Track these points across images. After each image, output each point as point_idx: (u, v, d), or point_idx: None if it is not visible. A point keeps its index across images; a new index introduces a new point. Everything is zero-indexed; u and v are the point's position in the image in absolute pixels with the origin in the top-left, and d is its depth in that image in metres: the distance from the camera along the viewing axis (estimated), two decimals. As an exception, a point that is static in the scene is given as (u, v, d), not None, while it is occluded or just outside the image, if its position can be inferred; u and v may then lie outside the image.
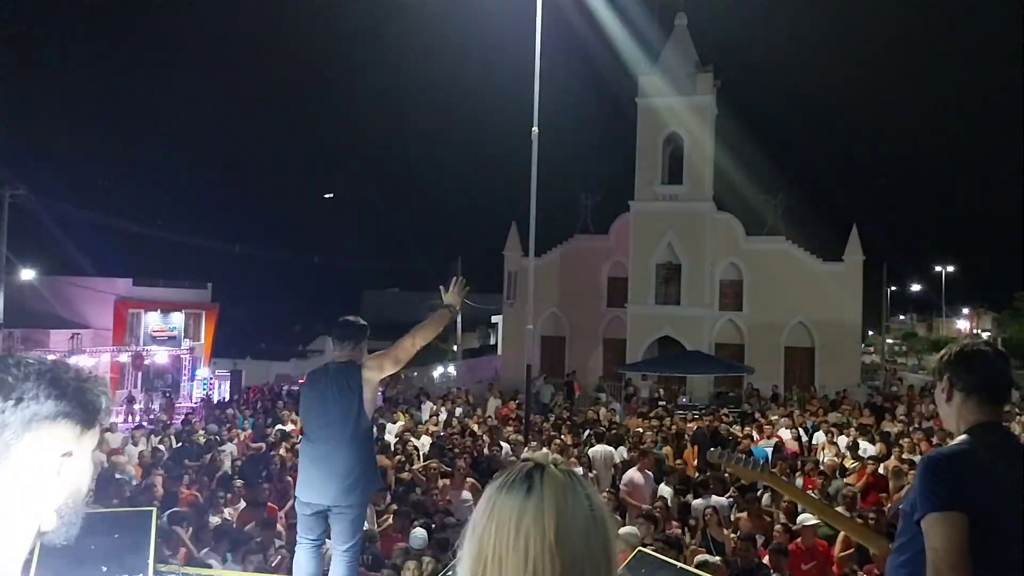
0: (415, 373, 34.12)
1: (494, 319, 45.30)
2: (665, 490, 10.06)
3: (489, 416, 18.17)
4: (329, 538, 4.72)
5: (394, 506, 8.40)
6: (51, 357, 1.20)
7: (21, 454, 1.10)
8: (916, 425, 15.36)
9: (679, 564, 4.59)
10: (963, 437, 2.38)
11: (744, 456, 3.58)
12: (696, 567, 5.12)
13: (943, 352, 2.58)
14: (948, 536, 2.15)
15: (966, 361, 2.45)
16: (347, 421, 4.46)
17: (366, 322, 4.82)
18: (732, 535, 8.14)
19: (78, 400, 1.16)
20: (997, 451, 2.30)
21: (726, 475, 10.15)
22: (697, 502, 9.43)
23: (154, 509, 5.52)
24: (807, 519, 7.21)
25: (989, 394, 2.41)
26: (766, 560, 6.88)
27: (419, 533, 7.18)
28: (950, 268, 57.48)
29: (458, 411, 18.86)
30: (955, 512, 2.16)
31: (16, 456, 1.09)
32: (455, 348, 45.22)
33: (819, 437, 14.44)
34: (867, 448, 12.90)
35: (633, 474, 10.12)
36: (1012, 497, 2.23)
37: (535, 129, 17.19)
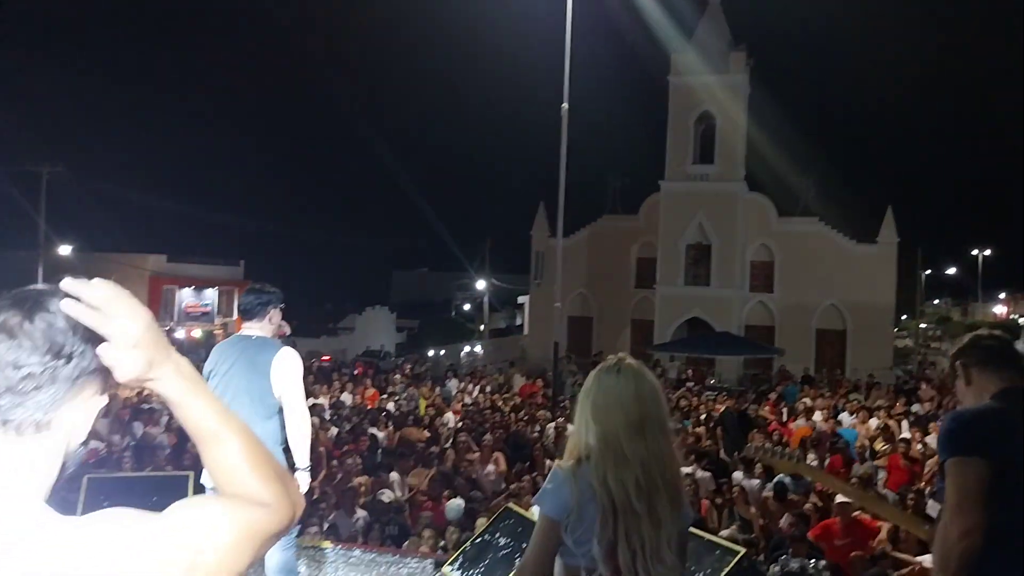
0: (443, 352, 34.34)
1: (521, 299, 45.32)
2: (698, 471, 9.99)
3: (515, 393, 18.24)
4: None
5: (429, 474, 8.57)
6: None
7: (66, 410, 1.06)
8: (947, 408, 15.15)
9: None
10: (986, 401, 2.48)
11: (780, 449, 3.72)
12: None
13: (950, 350, 2.76)
14: (964, 478, 2.25)
15: (971, 341, 2.62)
16: (253, 399, 4.16)
17: (275, 289, 4.43)
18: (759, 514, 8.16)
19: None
20: (1021, 411, 2.38)
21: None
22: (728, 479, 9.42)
23: (191, 474, 5.64)
24: (842, 497, 7.14)
25: (1002, 361, 2.52)
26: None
27: (456, 503, 7.21)
28: (987, 252, 56.30)
29: (487, 388, 18.95)
30: (974, 457, 2.26)
31: (60, 413, 1.05)
32: (482, 328, 45.37)
33: (846, 419, 14.29)
34: (898, 431, 12.74)
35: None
36: None
37: (565, 105, 17.04)
